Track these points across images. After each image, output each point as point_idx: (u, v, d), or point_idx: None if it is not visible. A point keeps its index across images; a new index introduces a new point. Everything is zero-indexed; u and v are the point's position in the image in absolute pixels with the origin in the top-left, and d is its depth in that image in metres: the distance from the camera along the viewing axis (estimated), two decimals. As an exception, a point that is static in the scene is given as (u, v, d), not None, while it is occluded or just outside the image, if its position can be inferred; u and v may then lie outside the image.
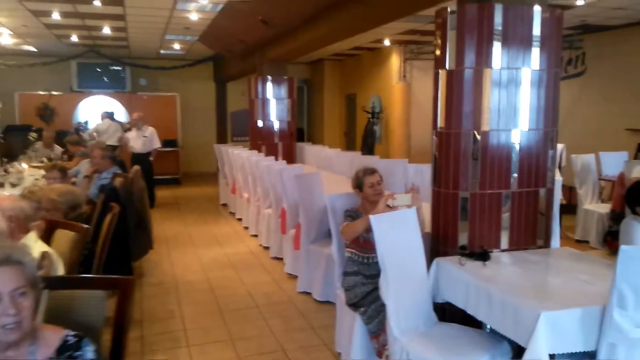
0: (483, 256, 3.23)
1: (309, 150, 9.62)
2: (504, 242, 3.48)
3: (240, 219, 8.15)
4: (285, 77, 9.34)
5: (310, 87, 15.15)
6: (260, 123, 9.31)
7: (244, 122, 11.15)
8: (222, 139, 13.84)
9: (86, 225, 3.00)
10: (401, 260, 3.07)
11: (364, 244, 3.45)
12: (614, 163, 7.10)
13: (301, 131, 14.74)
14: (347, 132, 13.93)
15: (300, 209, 5.11)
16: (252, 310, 4.68)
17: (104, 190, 4.59)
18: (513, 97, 3.39)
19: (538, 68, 3.40)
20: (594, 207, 6.95)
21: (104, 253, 3.22)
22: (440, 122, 3.51)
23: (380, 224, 2.99)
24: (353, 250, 3.52)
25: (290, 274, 5.52)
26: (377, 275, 3.27)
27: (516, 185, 3.46)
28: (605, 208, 6.76)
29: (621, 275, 2.39)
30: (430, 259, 3.31)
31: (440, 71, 3.49)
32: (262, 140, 9.28)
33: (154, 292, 5.20)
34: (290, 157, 9.15)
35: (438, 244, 3.56)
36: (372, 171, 3.56)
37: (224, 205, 9.47)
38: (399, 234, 3.11)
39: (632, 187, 3.26)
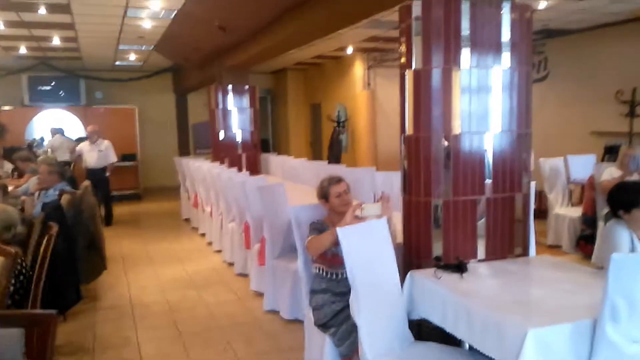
0: (459, 268, 3.00)
1: (274, 160, 9.34)
2: (481, 251, 3.27)
3: (203, 234, 7.78)
4: (247, 86, 9.05)
5: (274, 97, 14.88)
6: (221, 134, 8.98)
7: (206, 133, 10.78)
8: (184, 151, 13.42)
9: (14, 249, 2.64)
10: (372, 276, 2.82)
11: (332, 259, 3.18)
12: (582, 166, 7.05)
13: (266, 142, 14.44)
14: (313, 141, 13.70)
15: (264, 222, 4.81)
16: (214, 332, 4.34)
17: (44, 209, 4.19)
18: (484, 98, 3.20)
19: (509, 67, 3.22)
20: (564, 211, 6.87)
21: (40, 279, 2.86)
22: (409, 127, 3.28)
23: (348, 236, 2.73)
24: (320, 266, 3.25)
25: (256, 292, 5.20)
26: (347, 292, 3.00)
27: (491, 191, 3.25)
28: (576, 212, 6.68)
29: (613, 285, 2.18)
30: (403, 272, 3.07)
31: (406, 72, 3.27)
32: (224, 152, 8.95)
33: (108, 316, 4.80)
34: (255, 169, 8.84)
35: (411, 256, 3.32)
36: (338, 180, 3.31)
37: (187, 220, 9.07)
38: (369, 246, 2.86)
39: (614, 190, 3.10)
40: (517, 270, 3.09)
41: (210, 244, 7.25)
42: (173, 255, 6.93)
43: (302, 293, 4.02)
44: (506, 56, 3.21)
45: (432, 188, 3.18)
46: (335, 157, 11.03)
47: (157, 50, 10.09)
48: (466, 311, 2.56)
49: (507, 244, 3.33)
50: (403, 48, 3.29)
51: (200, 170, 7.60)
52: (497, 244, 3.29)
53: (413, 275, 3.03)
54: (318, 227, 3.21)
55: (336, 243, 2.90)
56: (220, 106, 8.93)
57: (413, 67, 3.20)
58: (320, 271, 3.24)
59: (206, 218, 7.50)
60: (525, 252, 3.42)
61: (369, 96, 10.98)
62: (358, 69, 11.21)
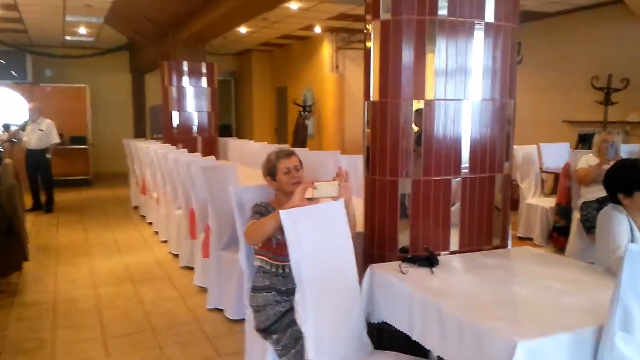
0: (430, 261, 2.48)
1: (233, 144, 8.71)
2: (454, 242, 2.76)
3: (150, 223, 7.12)
4: (204, 62, 8.38)
5: (238, 80, 14.19)
6: (175, 115, 8.30)
7: (165, 117, 10.09)
8: (140, 135, 12.64)
9: None
10: (324, 270, 2.28)
11: (277, 248, 2.62)
12: (554, 155, 6.68)
13: (229, 128, 13.78)
14: (278, 127, 13.10)
15: (209, 208, 4.21)
16: (147, 335, 3.74)
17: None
18: (462, 58, 2.67)
19: (493, 20, 2.70)
20: (537, 201, 6.47)
21: None
22: (374, 91, 2.74)
23: (294, 220, 2.18)
24: (264, 258, 2.68)
25: (200, 287, 4.61)
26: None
27: (468, 171, 2.74)
28: (549, 202, 6.29)
29: (627, 285, 1.69)
30: (363, 266, 2.54)
31: (372, 24, 2.72)
32: (178, 135, 8.27)
33: (26, 314, 4.14)
34: (212, 153, 8.19)
35: (373, 247, 2.79)
36: (288, 153, 2.74)
37: (136, 208, 8.37)
38: (320, 234, 2.32)
39: (614, 169, 2.62)
40: (496, 264, 2.59)
41: (156, 233, 6.61)
42: (114, 246, 6.26)
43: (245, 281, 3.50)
44: (490, 9, 2.68)
45: (400, 165, 2.65)
46: (300, 143, 10.47)
47: (108, 23, 9.32)
48: (438, 315, 2.05)
49: (485, 233, 2.83)
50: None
51: (147, 152, 6.92)
52: (473, 233, 2.79)
53: (374, 269, 2.50)
54: (261, 210, 2.64)
55: (282, 229, 2.35)
56: (174, 84, 8.25)
57: (380, 16, 2.65)
58: (264, 264, 2.68)
59: (153, 205, 6.85)
60: (504, 244, 2.93)
61: (337, 80, 10.45)
62: (326, 51, 10.65)
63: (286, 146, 6.26)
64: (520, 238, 6.37)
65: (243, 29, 9.87)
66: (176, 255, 5.56)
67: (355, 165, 4.88)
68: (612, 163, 5.27)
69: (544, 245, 6.10)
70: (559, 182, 6.20)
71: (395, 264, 2.52)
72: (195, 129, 8.48)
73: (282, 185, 2.69)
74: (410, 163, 2.64)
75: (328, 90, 10.57)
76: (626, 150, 6.04)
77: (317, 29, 9.93)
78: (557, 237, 5.93)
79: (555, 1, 7.58)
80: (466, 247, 2.77)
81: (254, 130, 13.36)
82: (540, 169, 6.79)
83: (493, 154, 2.78)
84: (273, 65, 13.18)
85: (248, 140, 8.75)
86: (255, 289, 2.71)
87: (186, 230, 5.21)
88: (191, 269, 5.09)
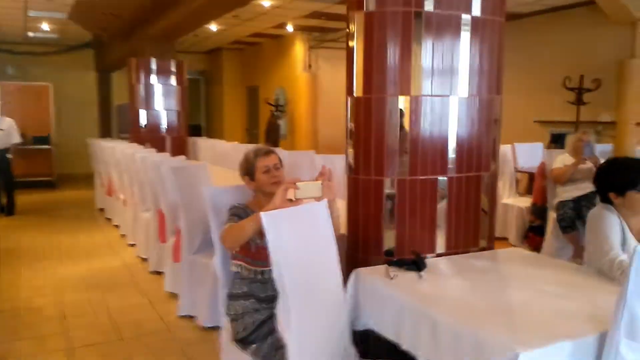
0: (417, 264, 2.36)
1: (204, 144, 8.48)
2: (440, 244, 2.64)
3: (117, 226, 6.84)
4: (173, 60, 8.13)
5: (208, 80, 13.91)
6: (143, 114, 8.02)
7: (132, 116, 9.77)
8: (106, 135, 12.23)
9: None
10: (307, 275, 2.13)
11: (256, 253, 2.46)
12: (528, 155, 6.70)
13: (198, 128, 13.49)
14: (250, 128, 12.88)
15: (180, 210, 4.01)
16: (114, 345, 3.52)
17: None
18: (449, 52, 2.56)
19: (480, 14, 2.59)
20: (512, 201, 6.46)
21: None
22: (357, 86, 2.60)
23: (276, 223, 2.03)
24: (242, 263, 2.51)
25: (171, 293, 4.39)
26: (275, 297, 2.32)
27: (454, 169, 2.63)
28: (524, 202, 6.28)
29: (635, 288, 1.59)
30: (347, 270, 2.40)
31: (355, 16, 2.59)
32: (146, 134, 8.00)
33: (-18, 325, 3.87)
34: (181, 153, 7.93)
35: (356, 250, 2.65)
36: (267, 151, 2.58)
37: (101, 210, 8.06)
38: (303, 237, 2.17)
39: (605, 168, 2.54)
40: (486, 267, 2.49)
41: (123, 236, 6.34)
42: (79, 250, 5.97)
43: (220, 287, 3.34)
44: (476, 3, 2.58)
45: (385, 164, 2.52)
46: (272, 143, 10.29)
47: (72, 19, 8.96)
48: (430, 323, 1.92)
49: (471, 234, 2.72)
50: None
51: (113, 152, 6.64)
52: (459, 234, 2.68)
53: (359, 274, 2.36)
54: (239, 213, 2.47)
55: (261, 233, 2.19)
56: (142, 81, 7.97)
57: (365, 8, 2.51)
58: (242, 269, 2.51)
59: (120, 207, 6.58)
60: (490, 245, 2.83)
61: (310, 79, 10.31)
62: (299, 50, 10.50)
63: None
64: (496, 238, 6.32)
65: (214, 27, 9.64)
66: (145, 260, 5.32)
67: (332, 164, 4.73)
68: (588, 162, 5.29)
69: (520, 245, 6.08)
70: (535, 182, 6.19)
71: (382, 267, 2.40)
72: (163, 128, 8.22)
73: (261, 185, 2.53)
74: (396, 162, 2.52)
75: (301, 89, 10.42)
76: (599, 150, 6.07)
77: (290, 28, 9.77)
78: (533, 236, 5.91)
79: (527, 2, 7.60)
80: (452, 249, 2.66)
81: (224, 130, 13.10)
82: (515, 168, 6.79)
83: (480, 152, 2.68)
84: (244, 64, 12.96)
85: (219, 140, 8.54)
86: (232, 297, 2.54)
87: (155, 233, 4.99)
88: (161, 273, 4.87)
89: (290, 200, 2.26)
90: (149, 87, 8.06)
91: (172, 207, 4.37)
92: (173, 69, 8.15)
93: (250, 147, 7.14)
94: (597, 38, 7.96)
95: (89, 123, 12.49)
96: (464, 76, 2.59)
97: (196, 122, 13.52)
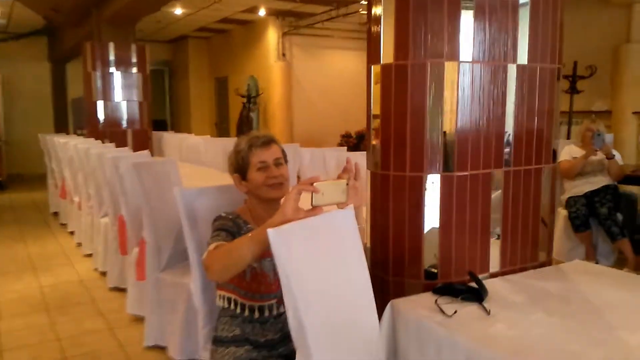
0: (478, 292, 1.71)
1: (170, 139, 7.69)
2: (494, 259, 2.00)
3: (72, 233, 6.00)
4: (134, 45, 7.29)
5: (173, 71, 13.02)
6: (100, 105, 7.17)
7: (89, 110, 8.85)
8: (62, 131, 11.23)
9: None
10: (334, 314, 1.47)
11: (252, 281, 1.77)
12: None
13: (163, 123, 12.61)
14: (220, 121, 12.06)
15: (144, 216, 3.27)
16: (62, 390, 2.78)
17: None
18: (505, 10, 1.91)
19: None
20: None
21: None
22: (384, 51, 1.93)
23: (289, 243, 1.36)
24: (232, 296, 1.82)
25: (135, 316, 3.65)
26: (280, 342, 1.66)
27: (512, 160, 1.99)
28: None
29: None
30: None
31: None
32: (105, 128, 7.16)
33: None
34: (145, 148, 7.13)
35: (386, 270, 1.98)
36: (265, 141, 1.88)
37: (55, 214, 7.18)
38: (324, 259, 1.50)
39: None
40: (561, 291, 1.85)
41: (79, 245, 5.52)
42: (27, 262, 5.14)
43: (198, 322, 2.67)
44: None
45: (426, 155, 1.86)
46: (244, 137, 9.53)
47: (20, 0, 8.01)
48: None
49: (530, 245, 2.09)
50: None
51: (66, 148, 5.81)
52: (516, 245, 2.05)
53: (396, 308, 1.71)
54: (227, 226, 1.77)
55: (263, 255, 1.52)
56: (99, 70, 7.11)
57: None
58: (232, 305, 1.81)
59: (75, 211, 5.75)
60: (549, 258, 2.21)
61: (284, 68, 9.61)
62: (271, 37, 9.77)
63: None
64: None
65: (178, 10, 8.82)
66: (103, 274, 4.54)
67: (323, 161, 4.09)
68: (599, 154, 4.77)
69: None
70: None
71: (426, 297, 1.74)
72: (124, 121, 7.38)
73: (257, 187, 1.84)
74: (440, 151, 1.86)
75: (274, 79, 9.70)
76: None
77: (262, 12, 9.04)
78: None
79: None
80: (508, 266, 2.03)
81: (191, 125, 12.26)
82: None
83: (541, 136, 2.05)
84: (212, 53, 12.12)
85: (188, 134, 7.76)
86: (218, 342, 1.84)
87: (115, 243, 4.23)
88: (123, 290, 4.11)
89: (304, 209, 1.57)
90: (106, 76, 7.21)
91: (135, 213, 3.62)
92: (134, 54, 7.31)
93: (223, 140, 6.34)
94: (591, 22, 7.52)
95: (43, 118, 11.47)
96: (524, 37, 1.95)
97: (161, 117, 12.63)
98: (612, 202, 4.53)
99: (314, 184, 1.51)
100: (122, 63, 7.23)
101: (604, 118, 7.69)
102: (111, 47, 7.12)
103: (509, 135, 1.96)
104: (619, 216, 4.51)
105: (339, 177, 1.63)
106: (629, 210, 5.09)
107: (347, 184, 1.60)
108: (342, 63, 10.43)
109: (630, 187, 5.05)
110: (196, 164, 6.17)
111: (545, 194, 2.11)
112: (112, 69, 7.17)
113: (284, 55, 9.67)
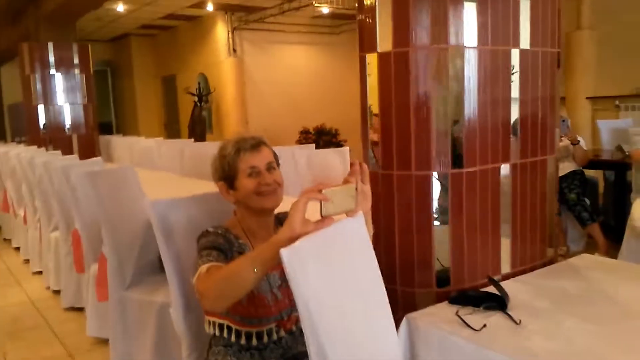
0: (500, 300, 1.56)
1: (119, 143, 7.25)
2: (505, 259, 1.86)
3: (18, 249, 5.53)
4: (75, 44, 6.82)
5: (116, 71, 12.42)
6: (41, 110, 6.67)
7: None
8: (-2, 140, 10.53)
9: None
10: (357, 341, 1.28)
11: (250, 305, 1.54)
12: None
13: (109, 126, 12.01)
14: (169, 122, 11.59)
15: (103, 230, 2.96)
16: None
17: None
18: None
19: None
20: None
21: None
22: (381, 37, 1.73)
23: (303, 262, 1.16)
24: (225, 322, 1.58)
25: (97, 339, 3.33)
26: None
27: (518, 152, 1.85)
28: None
29: None
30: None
31: None
32: (47, 134, 6.67)
33: None
34: (92, 154, 6.68)
35: (392, 279, 1.80)
36: (254, 144, 1.65)
37: (-3, 229, 6.64)
38: (339, 275, 1.30)
39: None
40: (579, 289, 1.73)
41: (27, 262, 5.08)
42: (-33, 284, 4.68)
43: (172, 343, 2.43)
44: None
45: (433, 151, 1.68)
46: (199, 137, 9.17)
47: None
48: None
49: (538, 242, 1.96)
50: None
51: (6, 158, 5.34)
52: (525, 243, 1.91)
53: (413, 322, 1.53)
54: (218, 244, 1.53)
55: (272, 270, 1.31)
56: (38, 72, 6.61)
57: None
58: (224, 332, 1.58)
59: (20, 226, 5.29)
60: (556, 255, 2.09)
61: (236, 64, 9.30)
62: (221, 33, 9.42)
63: (206, 147, 5.11)
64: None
65: (120, 7, 8.34)
66: (57, 292, 4.16)
67: (293, 159, 3.87)
68: (564, 140, 4.78)
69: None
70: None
71: (442, 308, 1.58)
72: (68, 126, 6.91)
73: (247, 196, 1.61)
74: (448, 146, 1.69)
75: (225, 76, 9.37)
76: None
77: (209, 7, 8.68)
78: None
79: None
80: (518, 266, 1.89)
81: (139, 127, 11.72)
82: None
83: (545, 124, 1.92)
84: (157, 51, 11.63)
85: (138, 137, 7.35)
86: (210, 374, 1.61)
87: (68, 259, 3.88)
88: (80, 310, 3.77)
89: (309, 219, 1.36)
90: (47, 79, 6.71)
91: (91, 227, 3.30)
92: (75, 55, 6.84)
93: (178, 142, 5.99)
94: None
95: (-24, 126, 10.71)
96: (525, 19, 1.81)
97: (106, 119, 12.03)
98: (580, 188, 4.54)
99: (322, 191, 1.31)
100: (63, 64, 6.75)
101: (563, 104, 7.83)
102: (50, 47, 6.63)
103: (516, 125, 1.82)
104: (587, 201, 4.52)
105: (345, 181, 1.42)
106: (592, 194, 5.14)
107: (356, 190, 1.40)
108: (296, 58, 10.22)
109: (590, 172, 5.10)
110: (150, 169, 5.81)
111: (551, 187, 1.98)
112: (53, 71, 6.68)
113: (234, 51, 9.35)
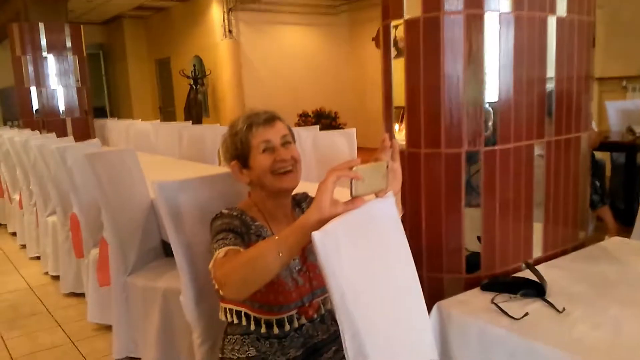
0: (538, 287, 1.46)
1: (114, 126, 7.08)
2: (537, 243, 1.75)
3: (14, 234, 5.40)
4: (67, 24, 6.62)
5: (108, 54, 12.18)
6: (34, 93, 6.49)
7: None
8: (-11, 123, 10.33)
9: None
10: (392, 325, 1.18)
11: (268, 292, 1.43)
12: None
13: (102, 110, 11.82)
14: (164, 105, 11.40)
15: (103, 213, 2.83)
16: None
17: None
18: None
19: None
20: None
21: None
22: (410, 2, 1.60)
23: (337, 245, 1.04)
24: (243, 309, 1.47)
25: (98, 325, 3.23)
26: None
27: (553, 129, 1.73)
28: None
29: None
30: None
31: None
32: (40, 118, 6.49)
33: None
34: (87, 137, 6.53)
35: (419, 264, 1.68)
36: (267, 118, 1.53)
37: (-8, 214, 6.49)
38: (376, 265, 1.19)
39: None
40: (617, 273, 1.62)
41: (24, 247, 4.96)
42: (-38, 271, 4.55)
43: (177, 330, 2.35)
44: None
45: (464, 127, 1.56)
46: (195, 120, 9.00)
47: None
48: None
49: (570, 224, 1.86)
50: None
51: (0, 142, 5.19)
52: (557, 226, 1.80)
53: (444, 310, 1.42)
54: (234, 226, 1.41)
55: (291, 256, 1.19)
56: (29, 53, 6.41)
57: None
58: (242, 320, 1.47)
59: (16, 211, 5.15)
60: (586, 236, 1.99)
61: (232, 46, 9.10)
62: (216, 13, 9.21)
63: (205, 129, 5.00)
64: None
65: (113, -14, 8.13)
66: (56, 278, 4.05)
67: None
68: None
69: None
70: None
71: (478, 296, 1.47)
72: (62, 109, 6.73)
73: (263, 174, 1.48)
74: (480, 122, 1.57)
75: (221, 58, 9.17)
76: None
77: (205, -13, 8.47)
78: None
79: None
80: (550, 249, 1.78)
81: (133, 112, 11.53)
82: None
83: (579, 100, 1.80)
84: (150, 34, 11.38)
85: (134, 120, 7.18)
86: (228, 365, 1.50)
87: (66, 243, 3.76)
88: (80, 295, 3.67)
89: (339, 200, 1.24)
90: (39, 60, 6.52)
91: (89, 211, 3.19)
92: (68, 36, 6.64)
93: (175, 125, 5.87)
94: None
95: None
96: (560, -15, 1.68)
97: (99, 104, 11.82)
98: (591, 170, 4.44)
99: (354, 168, 1.18)
100: (56, 46, 6.55)
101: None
102: (42, 28, 6.42)
103: (550, 99, 1.70)
104: (597, 183, 4.42)
105: (376, 159, 1.30)
106: (599, 176, 5.05)
107: (387, 167, 1.28)
108: (293, 39, 10.02)
109: (598, 154, 5.00)
110: (147, 152, 5.67)
111: (584, 166, 1.87)
112: (45, 53, 6.49)
113: (230, 32, 9.14)
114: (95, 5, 9.75)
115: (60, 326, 3.33)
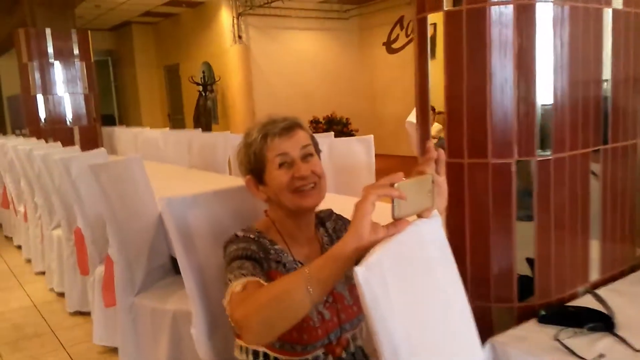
0: (605, 318, 1.25)
1: (122, 134, 6.94)
2: (594, 264, 1.54)
3: (19, 247, 5.25)
4: (74, 30, 6.49)
5: (117, 61, 12.09)
6: (41, 100, 6.36)
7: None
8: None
9: None
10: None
11: (291, 329, 1.22)
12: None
13: (111, 118, 11.71)
14: (174, 112, 11.27)
15: (108, 228, 2.66)
16: None
17: None
18: None
19: None
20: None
21: None
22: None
23: (384, 280, 0.85)
24: (262, 349, 1.27)
25: (105, 348, 3.05)
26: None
27: (610, 135, 1.53)
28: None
29: None
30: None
31: None
32: (47, 126, 6.37)
33: None
34: (95, 146, 6.39)
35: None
36: (285, 127, 1.33)
37: (-2, 226, 6.37)
38: (426, 299, 0.99)
39: None
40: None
41: (29, 262, 4.80)
42: (-35, 286, 4.40)
43: (188, 356, 2.16)
44: None
45: (513, 135, 1.36)
46: (204, 128, 8.86)
47: None
48: None
49: (628, 241, 1.65)
50: None
51: (4, 151, 5.04)
52: (615, 244, 1.59)
53: (502, 350, 1.22)
54: (252, 254, 1.22)
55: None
56: (36, 60, 6.29)
57: None
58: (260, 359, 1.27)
59: (21, 223, 5.00)
60: (643, 254, 1.77)
61: (242, 52, 8.95)
62: (225, 19, 9.07)
63: (215, 137, 4.85)
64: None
65: (121, -8, 8.01)
66: (61, 295, 3.87)
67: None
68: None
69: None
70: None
71: (537, 331, 1.26)
72: (69, 117, 6.60)
73: (280, 192, 1.29)
74: (533, 128, 1.36)
75: (231, 65, 9.02)
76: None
77: (213, -9, 8.34)
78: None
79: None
80: (607, 271, 1.57)
81: (142, 119, 11.42)
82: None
83: (635, 104, 1.60)
84: (159, 39, 11.28)
85: (142, 128, 7.03)
86: (246, 413, 1.30)
87: (72, 259, 3.59)
88: (86, 314, 3.49)
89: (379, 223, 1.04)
90: (45, 67, 6.40)
91: (94, 225, 3.01)
92: (75, 43, 6.51)
93: (184, 132, 5.71)
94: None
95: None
96: (617, -27, 1.48)
97: (108, 111, 11.73)
98: None
99: (395, 184, 0.98)
100: (63, 52, 6.42)
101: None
102: (49, 34, 6.30)
103: (607, 101, 1.50)
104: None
105: (419, 173, 1.10)
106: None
107: (433, 183, 1.08)
108: (303, 44, 9.85)
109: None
110: (156, 161, 5.51)
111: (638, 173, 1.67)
112: (52, 59, 6.36)
113: (240, 38, 8.99)
114: (103, 11, 9.65)
115: (65, 349, 3.15)
